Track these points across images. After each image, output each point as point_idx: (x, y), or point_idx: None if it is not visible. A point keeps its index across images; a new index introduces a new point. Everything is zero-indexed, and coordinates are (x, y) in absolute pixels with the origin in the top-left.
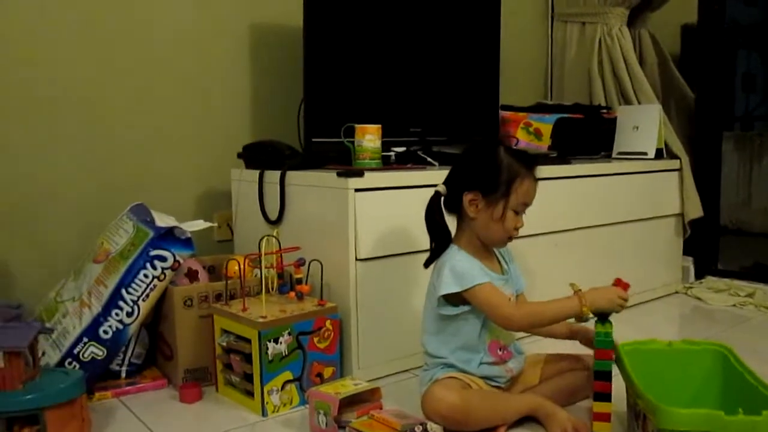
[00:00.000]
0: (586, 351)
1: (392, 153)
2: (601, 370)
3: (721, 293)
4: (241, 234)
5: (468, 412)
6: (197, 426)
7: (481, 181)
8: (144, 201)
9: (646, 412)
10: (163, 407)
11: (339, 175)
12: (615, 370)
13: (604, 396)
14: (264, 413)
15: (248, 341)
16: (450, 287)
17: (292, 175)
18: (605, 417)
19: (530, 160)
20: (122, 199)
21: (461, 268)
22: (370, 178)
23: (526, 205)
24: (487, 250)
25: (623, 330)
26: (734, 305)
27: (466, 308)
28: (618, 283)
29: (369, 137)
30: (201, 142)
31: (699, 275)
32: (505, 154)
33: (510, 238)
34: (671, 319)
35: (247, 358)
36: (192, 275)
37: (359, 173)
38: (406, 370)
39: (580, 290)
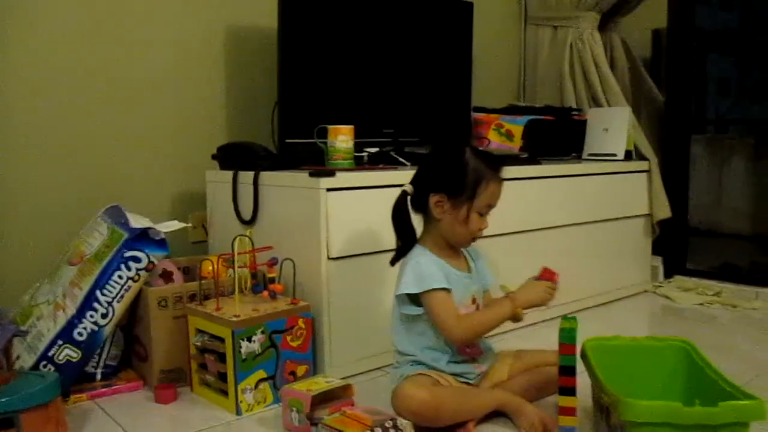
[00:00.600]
0: (551, 345)
1: (365, 154)
2: (565, 365)
3: (689, 292)
4: (216, 235)
5: (438, 409)
6: (173, 426)
7: (447, 183)
8: (119, 203)
9: (609, 406)
10: (139, 408)
11: (311, 175)
12: (581, 366)
13: (569, 390)
14: (238, 412)
15: (222, 340)
16: (409, 287)
17: (266, 176)
18: (571, 411)
19: (496, 162)
20: (97, 201)
21: (423, 269)
22: (342, 178)
23: (491, 206)
24: (452, 248)
25: (593, 327)
26: (701, 304)
27: None
28: (545, 271)
29: (342, 138)
30: (176, 144)
31: (668, 275)
32: (472, 156)
33: (474, 239)
34: (640, 317)
35: (222, 357)
36: (167, 276)
37: (331, 173)
38: (378, 368)
39: (511, 292)
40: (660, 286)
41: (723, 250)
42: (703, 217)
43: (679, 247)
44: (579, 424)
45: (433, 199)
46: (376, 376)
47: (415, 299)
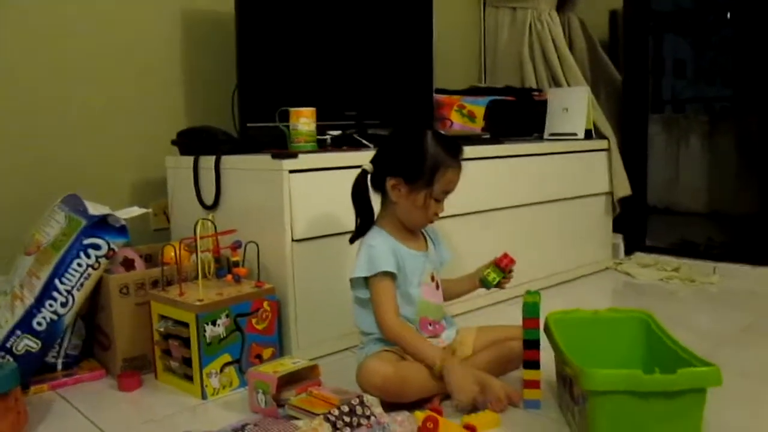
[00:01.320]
0: (517, 322)
1: (328, 137)
2: (529, 339)
3: (649, 268)
4: (178, 221)
5: (403, 383)
6: (137, 413)
7: (405, 168)
8: (77, 192)
9: (572, 378)
10: (102, 397)
11: (273, 157)
12: (544, 340)
13: (533, 364)
14: (204, 396)
15: (186, 326)
16: (361, 271)
17: (227, 160)
18: (535, 384)
19: (456, 149)
20: (52, 191)
21: (374, 252)
22: (305, 160)
23: (448, 192)
24: (409, 229)
25: (555, 303)
26: (661, 279)
27: None
28: (504, 257)
29: (304, 120)
30: (134, 130)
31: (628, 251)
32: (432, 141)
33: (431, 221)
34: (602, 293)
35: (186, 342)
36: (128, 264)
37: (293, 155)
38: (345, 349)
39: (454, 356)
40: (621, 263)
41: (681, 228)
42: (661, 196)
43: (638, 224)
44: (543, 397)
45: (390, 182)
46: (343, 356)
47: (367, 282)
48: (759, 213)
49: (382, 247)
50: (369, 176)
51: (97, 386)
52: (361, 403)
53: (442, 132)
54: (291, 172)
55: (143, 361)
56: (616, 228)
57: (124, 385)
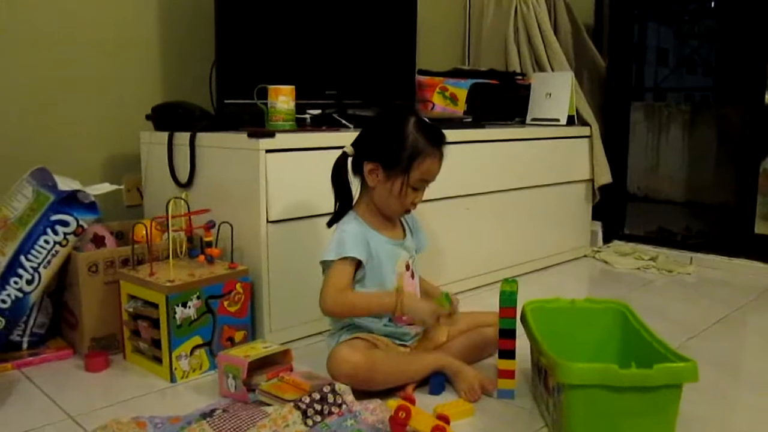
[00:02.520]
0: (494, 308)
1: (307, 116)
2: (505, 328)
3: (627, 257)
4: (151, 198)
5: (373, 370)
6: (103, 394)
7: (383, 153)
8: (47, 166)
9: (547, 369)
10: (68, 377)
11: (250, 135)
12: (520, 329)
13: (508, 353)
14: (173, 379)
15: (156, 306)
16: (329, 254)
17: (203, 137)
18: (509, 374)
19: (438, 138)
20: (22, 164)
21: (344, 237)
22: (282, 139)
23: (427, 182)
24: (386, 216)
25: (532, 290)
26: (638, 269)
27: (357, 277)
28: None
29: (282, 98)
30: (109, 104)
31: (607, 239)
32: (414, 128)
33: (408, 210)
34: (579, 281)
35: (155, 323)
36: (98, 241)
37: (270, 134)
38: (319, 333)
39: (402, 292)
40: (599, 251)
41: (659, 216)
42: (641, 183)
43: (617, 212)
44: (517, 386)
45: (367, 166)
46: (316, 340)
47: None
48: (736, 204)
49: (353, 233)
50: (350, 159)
51: (63, 366)
52: (333, 391)
53: (426, 119)
54: (268, 151)
55: (112, 340)
56: (595, 215)
57: (90, 366)
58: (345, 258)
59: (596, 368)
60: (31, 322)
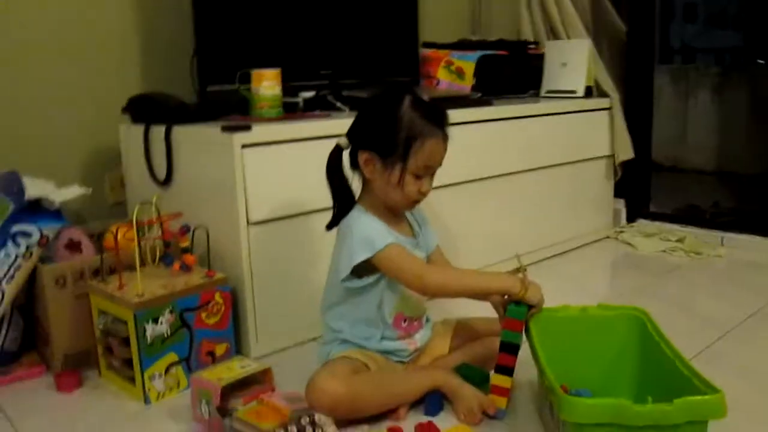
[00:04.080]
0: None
1: (300, 99)
2: (507, 341)
3: (652, 238)
4: (133, 196)
5: (355, 401)
6: (68, 421)
7: (377, 139)
8: (24, 165)
9: (551, 402)
10: (36, 399)
11: (223, 129)
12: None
13: (506, 370)
14: (147, 401)
15: (125, 323)
16: (361, 254)
17: (179, 131)
18: (504, 392)
19: (439, 116)
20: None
21: (368, 231)
22: (260, 132)
23: (431, 168)
24: (394, 212)
25: (549, 280)
26: (664, 251)
27: (371, 279)
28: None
29: (267, 84)
30: (87, 97)
31: (631, 218)
32: (410, 108)
33: (416, 202)
34: (600, 268)
35: (126, 341)
36: (74, 247)
37: (246, 127)
38: (311, 340)
39: (525, 270)
40: (622, 232)
41: (687, 189)
42: (667, 153)
43: (642, 188)
44: (519, 401)
45: (362, 157)
46: (306, 348)
47: (358, 271)
48: None
49: (373, 226)
50: (345, 153)
51: (33, 385)
52: (312, 423)
53: (426, 97)
54: (244, 146)
55: (87, 356)
56: (618, 192)
57: (61, 386)
58: (389, 246)
59: (606, 405)
60: (1, 339)
